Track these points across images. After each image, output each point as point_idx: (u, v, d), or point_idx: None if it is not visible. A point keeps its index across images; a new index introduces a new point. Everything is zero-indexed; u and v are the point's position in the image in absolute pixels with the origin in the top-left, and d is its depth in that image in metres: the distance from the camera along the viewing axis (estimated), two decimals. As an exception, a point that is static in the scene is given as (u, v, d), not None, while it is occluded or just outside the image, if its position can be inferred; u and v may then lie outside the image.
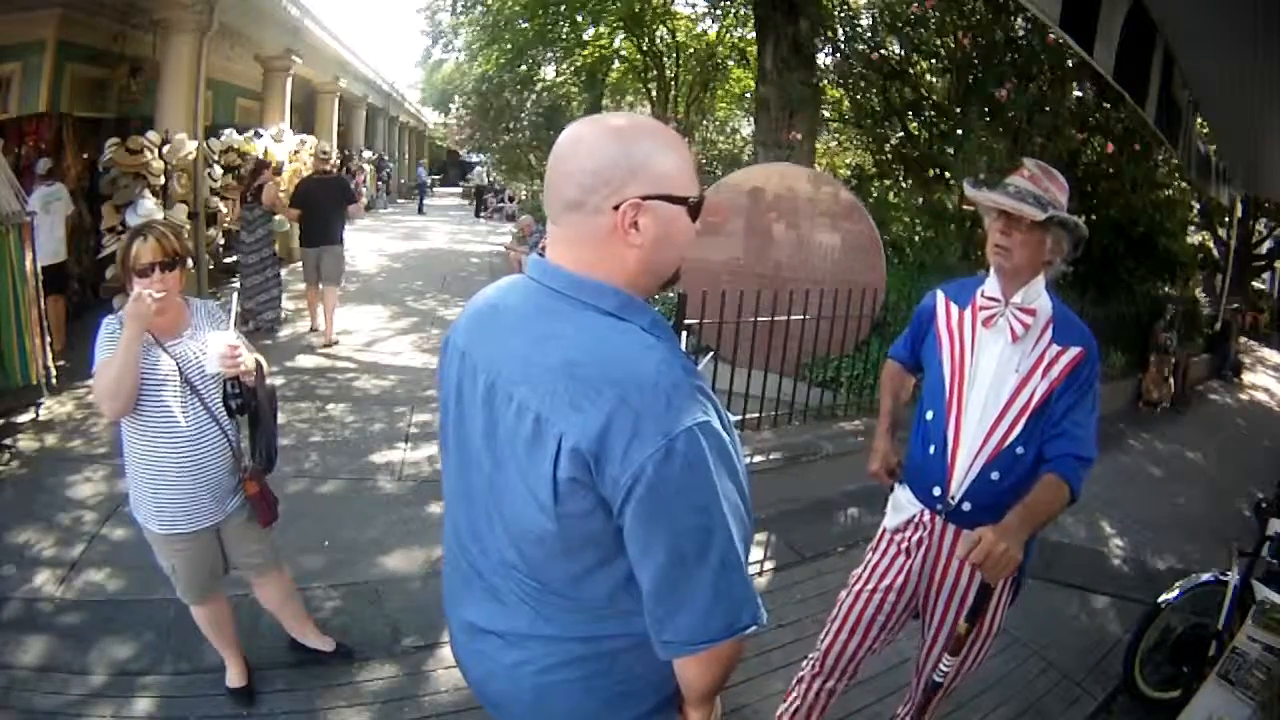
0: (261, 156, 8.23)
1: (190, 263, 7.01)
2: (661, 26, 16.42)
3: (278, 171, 9.44)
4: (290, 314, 7.43)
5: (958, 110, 7.24)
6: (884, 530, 1.96)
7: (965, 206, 8.52)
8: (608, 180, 0.99)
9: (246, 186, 6.84)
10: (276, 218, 9.63)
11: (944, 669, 1.80)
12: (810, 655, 2.04)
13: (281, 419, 4.83)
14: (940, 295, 1.89)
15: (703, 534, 0.95)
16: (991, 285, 1.76)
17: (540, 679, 1.12)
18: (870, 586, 1.92)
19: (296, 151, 10.16)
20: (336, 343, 6.62)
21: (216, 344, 2.04)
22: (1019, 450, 1.71)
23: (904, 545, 1.89)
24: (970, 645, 1.87)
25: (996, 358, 1.74)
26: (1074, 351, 1.69)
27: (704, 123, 18.93)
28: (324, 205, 6.59)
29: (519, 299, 1.10)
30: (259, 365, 2.18)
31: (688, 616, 0.98)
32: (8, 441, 4.05)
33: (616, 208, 1.00)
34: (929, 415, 1.83)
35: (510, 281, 1.18)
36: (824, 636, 1.99)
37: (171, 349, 2.07)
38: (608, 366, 0.97)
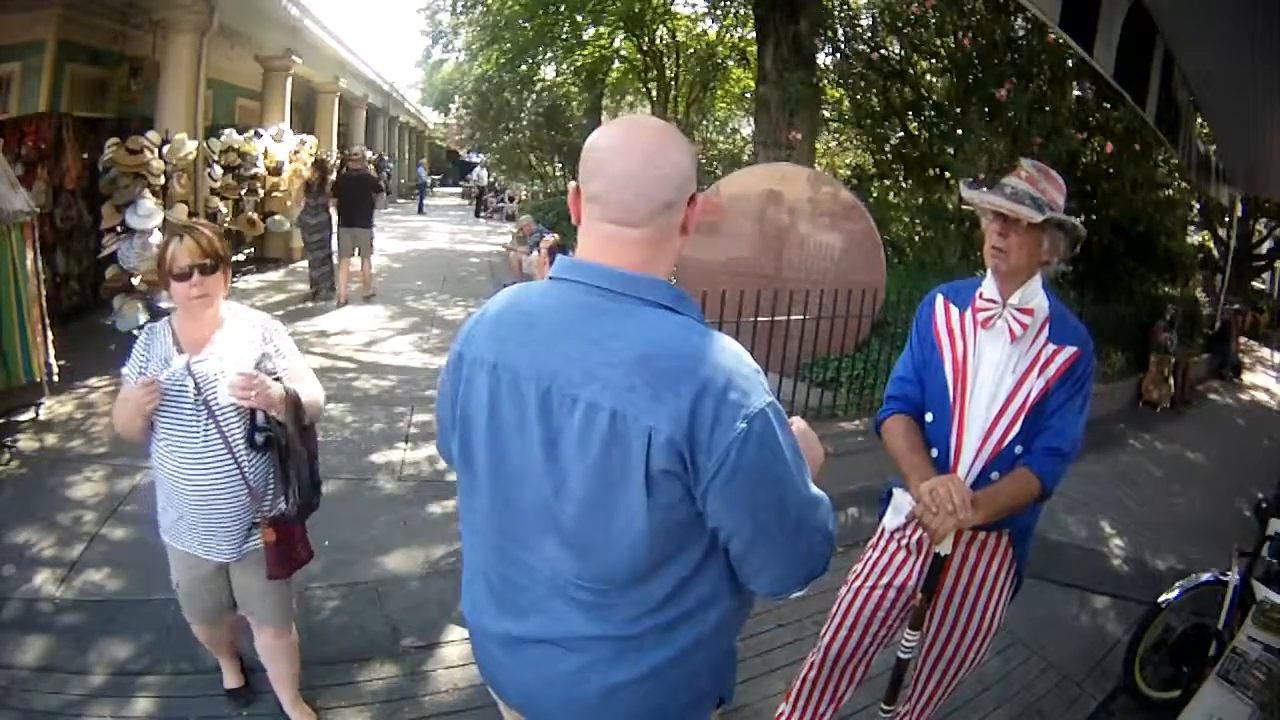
0: (323, 158, 9.70)
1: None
2: (661, 26, 16.40)
3: (276, 172, 9.50)
4: (294, 312, 7.44)
5: (958, 110, 7.24)
6: (884, 529, 1.95)
7: (965, 206, 8.50)
8: (681, 186, 1.07)
9: (309, 181, 8.53)
10: (276, 217, 9.70)
11: (907, 644, 1.80)
12: (810, 657, 2.03)
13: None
14: (939, 297, 1.88)
15: (779, 504, 1.04)
16: (989, 286, 1.76)
17: (606, 681, 1.11)
18: (870, 583, 1.92)
19: (296, 151, 10.15)
20: (373, 295, 8.64)
21: (230, 372, 1.84)
22: (1017, 449, 1.71)
23: (905, 543, 1.89)
24: (969, 643, 1.86)
25: (996, 358, 1.74)
26: (1070, 351, 1.70)
27: (704, 123, 18.91)
28: (356, 195, 8.30)
29: (559, 303, 1.09)
30: (292, 399, 1.92)
31: (771, 574, 1.08)
32: (8, 441, 4.05)
33: (689, 209, 1.09)
34: (929, 418, 1.83)
35: (530, 288, 1.17)
36: (824, 634, 1.98)
37: (195, 365, 1.88)
38: (681, 358, 1.00)
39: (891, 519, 1.91)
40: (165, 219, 6.48)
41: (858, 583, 1.95)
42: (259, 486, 1.95)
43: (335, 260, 8.46)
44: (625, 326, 1.03)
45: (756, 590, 1.12)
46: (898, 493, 1.88)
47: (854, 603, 1.93)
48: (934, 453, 1.80)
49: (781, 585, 1.09)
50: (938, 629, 1.88)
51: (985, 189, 1.71)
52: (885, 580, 1.90)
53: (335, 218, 8.28)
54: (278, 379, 1.94)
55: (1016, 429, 1.71)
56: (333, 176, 8.75)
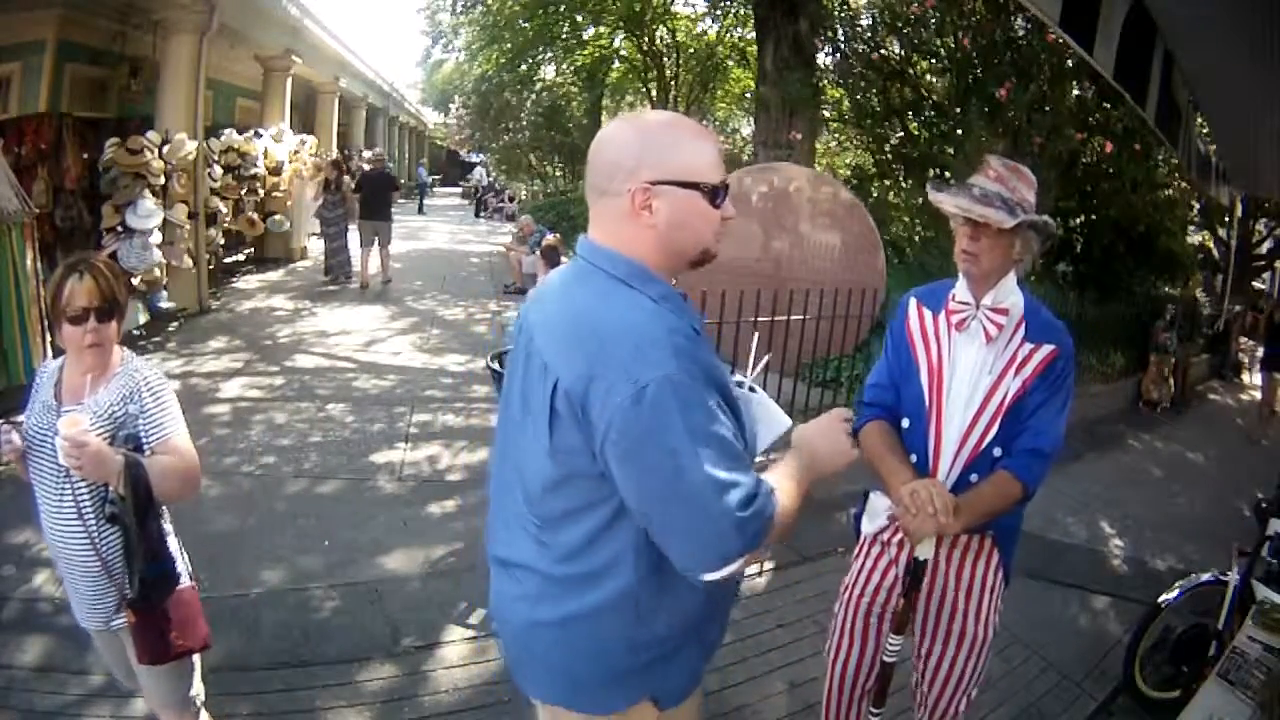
0: (337, 157, 11.01)
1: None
2: (661, 26, 16.41)
3: (276, 172, 9.51)
4: (294, 312, 7.45)
5: (958, 110, 7.23)
6: (864, 537, 1.91)
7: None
8: (623, 167, 1.15)
9: (329, 179, 9.69)
10: (276, 217, 9.72)
11: (891, 648, 1.77)
12: (825, 683, 1.98)
13: (281, 419, 4.87)
14: (912, 300, 1.85)
15: (672, 475, 1.05)
16: (962, 288, 1.72)
17: (530, 615, 1.24)
18: (859, 592, 1.89)
19: (296, 151, 10.15)
20: (390, 281, 9.58)
21: (61, 429, 1.51)
22: (996, 452, 1.68)
23: (887, 547, 1.86)
24: (967, 651, 1.82)
25: (972, 360, 1.71)
26: (1047, 349, 1.66)
27: (704, 123, 18.90)
28: (376, 191, 9.35)
29: (565, 271, 1.28)
30: (131, 473, 1.60)
31: (678, 549, 1.10)
32: (8, 441, 4.06)
33: (631, 192, 1.14)
34: (905, 424, 1.80)
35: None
36: (828, 652, 1.95)
37: (65, 414, 1.62)
38: (600, 322, 1.10)
39: (868, 524, 1.87)
40: (165, 219, 6.49)
41: (847, 594, 1.92)
42: (113, 562, 1.69)
43: (350, 250, 9.55)
44: (579, 291, 1.17)
45: (675, 566, 1.12)
46: (873, 496, 1.84)
47: (847, 616, 1.90)
48: (913, 458, 1.76)
49: (690, 562, 1.10)
50: (931, 640, 1.84)
51: (952, 189, 1.67)
52: (874, 584, 1.87)
53: (355, 211, 9.40)
54: (138, 447, 1.67)
55: (995, 430, 1.68)
56: (347, 177, 9.96)
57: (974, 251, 1.65)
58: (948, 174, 7.73)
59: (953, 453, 1.72)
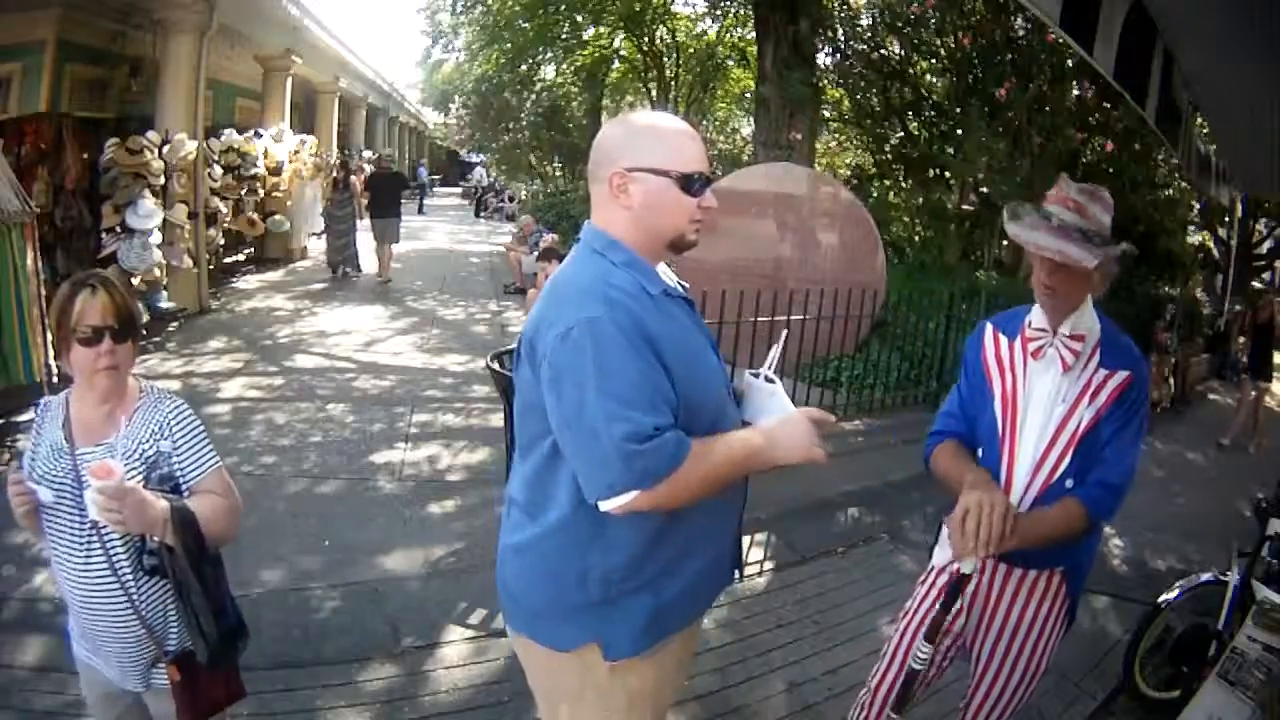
0: (341, 158, 12.16)
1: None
2: (661, 26, 16.39)
3: (276, 172, 9.52)
4: (294, 312, 7.46)
5: (958, 110, 7.25)
6: (933, 566, 1.88)
7: (965, 206, 8.53)
8: (609, 156, 1.30)
9: (337, 179, 10.46)
10: (276, 217, 9.73)
11: (920, 656, 1.73)
12: (860, 696, 1.94)
13: (281, 419, 4.87)
14: (988, 327, 1.81)
15: (576, 404, 1.19)
16: (1038, 314, 1.68)
17: (504, 539, 1.40)
18: (917, 620, 1.83)
19: (296, 151, 10.16)
20: (390, 280, 9.73)
21: (94, 480, 1.33)
22: (1068, 483, 1.63)
23: (953, 577, 1.82)
24: (1017, 684, 1.79)
25: (1047, 389, 1.66)
26: (1121, 375, 1.60)
27: (704, 123, 18.88)
28: (386, 191, 9.93)
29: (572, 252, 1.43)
30: (179, 519, 1.41)
31: (580, 473, 1.23)
32: (8, 441, 4.05)
33: (610, 177, 1.29)
34: (980, 454, 1.76)
35: None
36: (873, 674, 1.90)
37: (83, 457, 1.45)
38: (565, 284, 1.29)
39: (940, 555, 1.82)
40: (165, 219, 6.50)
41: (906, 619, 1.88)
42: (154, 618, 1.50)
43: (357, 246, 10.03)
44: (569, 266, 1.35)
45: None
46: (947, 523, 1.75)
47: (901, 640, 1.85)
48: None
49: (587, 486, 1.22)
50: (984, 669, 1.81)
51: (1028, 220, 1.61)
52: (934, 614, 1.79)
53: (364, 209, 10.06)
54: (175, 488, 1.50)
55: (1067, 461, 1.62)
56: (353, 177, 10.66)
57: (1053, 286, 1.60)
58: (948, 174, 7.75)
59: (1024, 484, 1.67)
